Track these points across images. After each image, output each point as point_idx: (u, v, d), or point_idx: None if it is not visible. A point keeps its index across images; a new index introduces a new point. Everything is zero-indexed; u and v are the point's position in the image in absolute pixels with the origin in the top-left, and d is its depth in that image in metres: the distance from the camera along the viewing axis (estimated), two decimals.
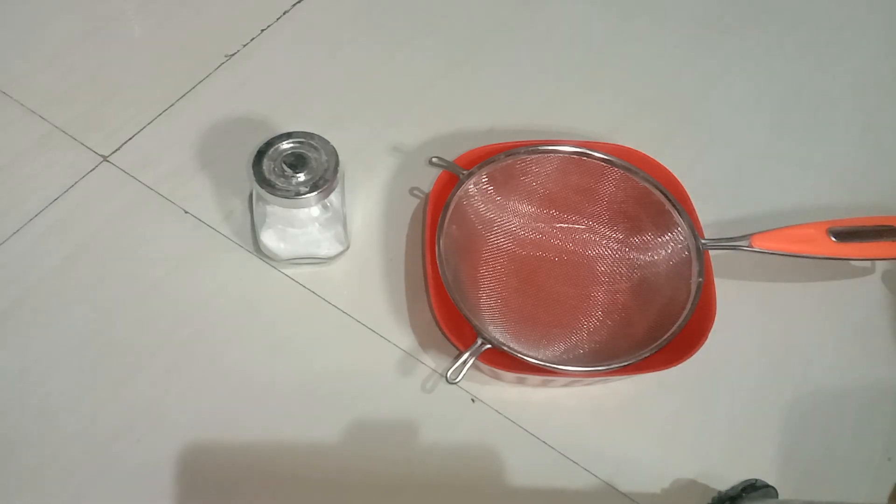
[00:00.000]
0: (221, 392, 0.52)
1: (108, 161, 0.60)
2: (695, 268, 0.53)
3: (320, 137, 0.52)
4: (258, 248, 0.57)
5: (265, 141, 0.51)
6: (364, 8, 0.71)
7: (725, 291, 0.53)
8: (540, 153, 0.56)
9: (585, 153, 0.56)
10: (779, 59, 0.71)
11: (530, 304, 0.56)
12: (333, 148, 0.52)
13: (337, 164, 0.51)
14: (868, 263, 0.60)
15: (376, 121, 0.64)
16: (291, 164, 0.51)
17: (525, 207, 0.58)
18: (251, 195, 0.57)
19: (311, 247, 0.55)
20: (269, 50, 0.67)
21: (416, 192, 0.61)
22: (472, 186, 0.56)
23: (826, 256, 0.54)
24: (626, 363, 0.49)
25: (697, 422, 0.54)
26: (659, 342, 0.50)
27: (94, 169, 0.60)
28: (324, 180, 0.51)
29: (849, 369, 0.56)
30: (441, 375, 0.54)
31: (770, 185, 0.64)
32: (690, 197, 0.56)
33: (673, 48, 0.71)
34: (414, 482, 0.50)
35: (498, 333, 0.52)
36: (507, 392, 0.53)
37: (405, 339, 0.55)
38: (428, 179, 0.59)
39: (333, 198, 0.53)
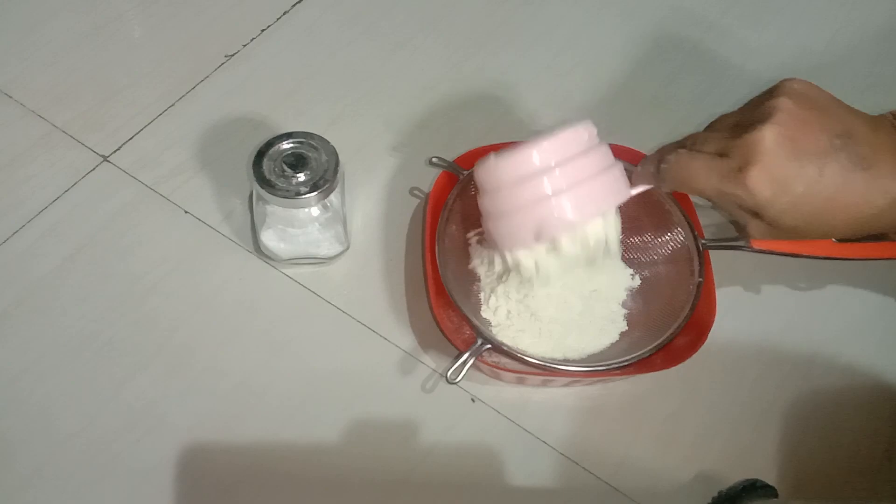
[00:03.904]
0: (221, 392, 0.52)
1: (108, 161, 0.61)
2: (695, 268, 0.53)
3: (320, 137, 0.52)
4: (258, 248, 0.57)
5: (265, 141, 0.52)
6: (364, 8, 0.71)
7: (725, 291, 0.53)
8: None
9: None
10: (779, 58, 0.71)
11: None
12: (333, 148, 0.52)
13: (337, 164, 0.51)
14: (868, 263, 0.60)
15: (376, 121, 0.64)
16: (291, 164, 0.51)
17: None
18: (251, 195, 0.57)
19: (310, 247, 0.55)
20: (269, 50, 0.67)
21: (416, 192, 0.61)
22: (471, 186, 0.56)
23: (825, 256, 0.54)
24: (626, 363, 0.49)
25: (697, 422, 0.54)
26: (659, 342, 0.50)
27: (94, 169, 0.60)
28: (324, 180, 0.51)
29: (849, 369, 0.56)
30: (441, 375, 0.54)
31: None
32: (690, 197, 0.56)
33: (673, 48, 0.71)
34: (414, 482, 0.50)
35: None
36: (506, 392, 0.53)
37: (405, 338, 0.55)
38: (428, 179, 0.59)
39: (333, 198, 0.53)
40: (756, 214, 0.46)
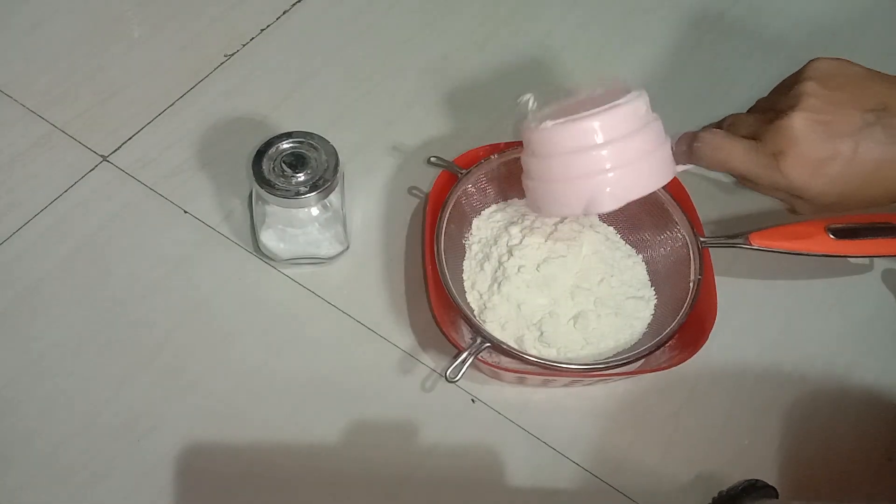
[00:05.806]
0: (221, 392, 0.52)
1: (107, 161, 0.60)
2: (694, 266, 0.53)
3: (320, 137, 0.52)
4: (258, 248, 0.57)
5: (265, 141, 0.51)
6: (363, 7, 0.71)
7: (726, 290, 0.53)
8: None
9: None
10: (780, 57, 0.71)
11: None
12: (333, 148, 0.52)
13: (336, 163, 0.51)
14: (867, 260, 0.60)
15: (376, 120, 0.64)
16: (291, 164, 0.51)
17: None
18: (251, 195, 0.57)
19: (310, 247, 0.55)
20: (268, 50, 0.67)
21: (415, 191, 0.61)
22: (470, 186, 0.56)
23: (825, 254, 0.54)
24: (626, 363, 0.49)
25: (698, 422, 0.54)
26: (657, 340, 0.50)
27: (93, 169, 0.60)
28: (323, 180, 0.51)
29: (849, 369, 0.56)
30: (441, 375, 0.54)
31: None
32: (690, 194, 0.56)
33: (674, 47, 0.71)
34: (414, 482, 0.50)
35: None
36: (507, 392, 0.53)
37: (405, 338, 0.55)
38: (427, 179, 0.59)
39: (333, 198, 0.53)
40: (795, 195, 0.47)
